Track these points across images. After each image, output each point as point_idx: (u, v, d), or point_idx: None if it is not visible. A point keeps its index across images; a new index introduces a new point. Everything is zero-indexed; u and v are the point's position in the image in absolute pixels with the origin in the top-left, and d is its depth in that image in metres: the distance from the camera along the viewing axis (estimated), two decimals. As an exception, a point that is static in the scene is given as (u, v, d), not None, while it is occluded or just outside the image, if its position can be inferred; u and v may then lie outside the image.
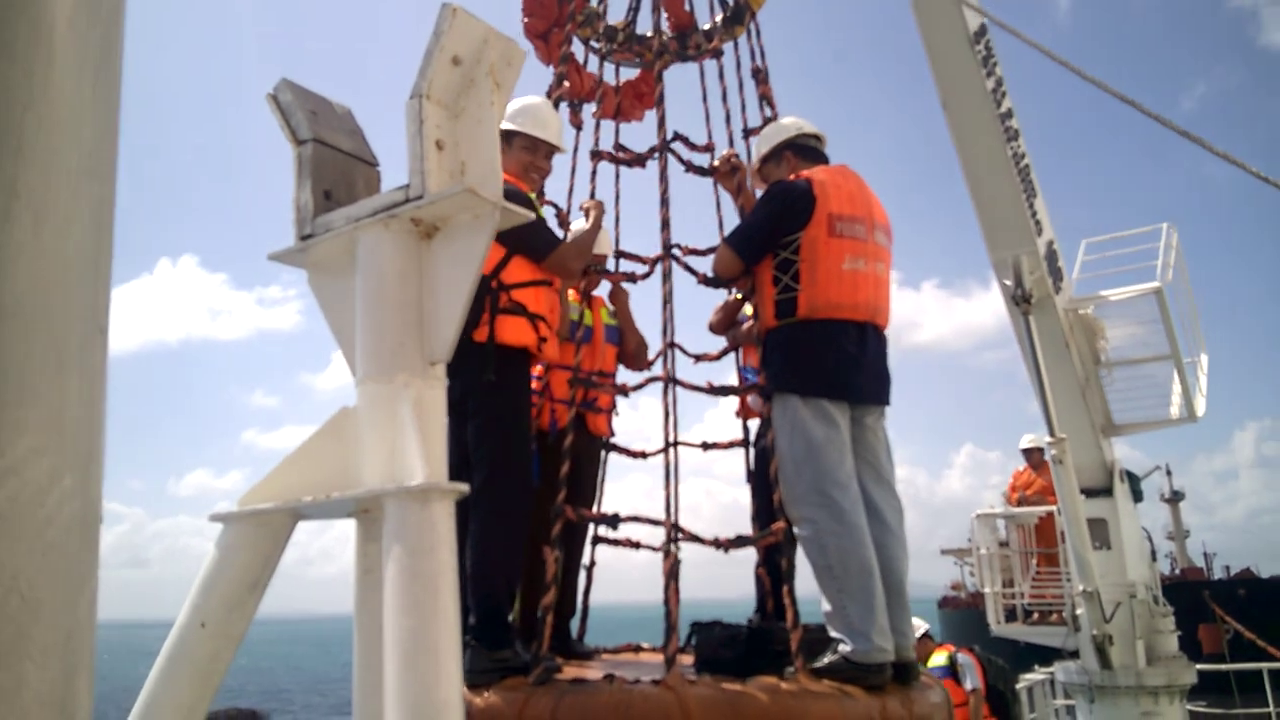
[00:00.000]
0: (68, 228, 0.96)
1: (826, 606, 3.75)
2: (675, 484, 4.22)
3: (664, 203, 4.50)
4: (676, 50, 5.26)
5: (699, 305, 4.97)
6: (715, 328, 4.96)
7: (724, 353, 4.76)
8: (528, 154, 4.22)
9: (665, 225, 4.45)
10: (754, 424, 4.91)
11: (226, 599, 1.72)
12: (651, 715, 3.23)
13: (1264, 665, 11.64)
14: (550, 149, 4.33)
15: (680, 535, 3.93)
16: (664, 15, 5.24)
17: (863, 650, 3.58)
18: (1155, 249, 9.41)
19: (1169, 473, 38.28)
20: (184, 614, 1.72)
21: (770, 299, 4.06)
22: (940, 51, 8.00)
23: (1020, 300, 8.45)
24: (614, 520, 4.26)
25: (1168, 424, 9.38)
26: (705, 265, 4.47)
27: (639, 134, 5.10)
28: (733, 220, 4.71)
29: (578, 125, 5.17)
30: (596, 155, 4.73)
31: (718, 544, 4.00)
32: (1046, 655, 10.33)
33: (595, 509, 4.91)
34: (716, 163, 4.81)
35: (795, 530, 3.86)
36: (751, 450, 4.91)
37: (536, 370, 4.55)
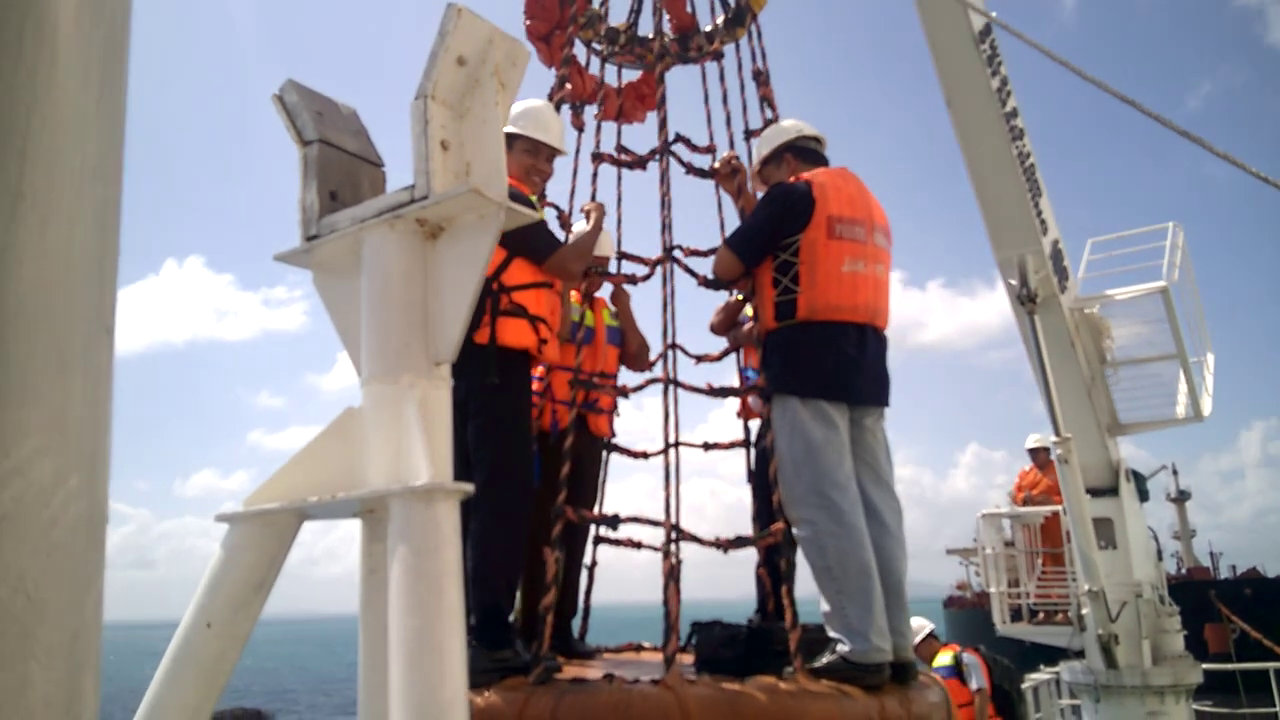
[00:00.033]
0: (73, 228, 0.96)
1: (825, 607, 3.77)
2: (676, 485, 4.24)
3: (664, 205, 4.52)
4: (677, 52, 5.27)
5: (701, 306, 4.99)
6: (716, 328, 4.97)
7: (725, 353, 4.77)
8: (529, 157, 4.23)
9: (665, 228, 4.48)
10: (755, 424, 4.92)
11: (232, 599, 1.72)
12: (651, 715, 3.25)
13: (1270, 665, 11.59)
14: (552, 152, 4.34)
15: (680, 536, 3.94)
16: (665, 17, 5.24)
17: (861, 650, 3.60)
18: (1161, 248, 9.38)
19: (1175, 472, 38.25)
20: (189, 614, 1.72)
21: (770, 301, 4.07)
22: (944, 51, 7.99)
23: (1025, 300, 8.44)
24: (614, 521, 4.29)
25: (1173, 423, 9.36)
26: (707, 266, 4.48)
27: (641, 135, 5.13)
28: (734, 221, 4.73)
29: (579, 127, 5.18)
30: (598, 158, 4.75)
31: (717, 545, 4.02)
32: (1052, 655, 10.31)
33: (597, 509, 4.94)
34: (717, 165, 4.82)
35: (794, 531, 3.88)
36: (752, 451, 4.91)
37: (538, 371, 4.56)
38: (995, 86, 7.94)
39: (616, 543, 4.44)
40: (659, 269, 4.51)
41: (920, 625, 7.70)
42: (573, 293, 4.82)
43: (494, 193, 1.75)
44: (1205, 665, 8.93)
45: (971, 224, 8.66)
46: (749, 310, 4.65)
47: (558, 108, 4.69)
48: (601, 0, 5.33)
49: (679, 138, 4.96)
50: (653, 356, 5.08)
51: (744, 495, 4.90)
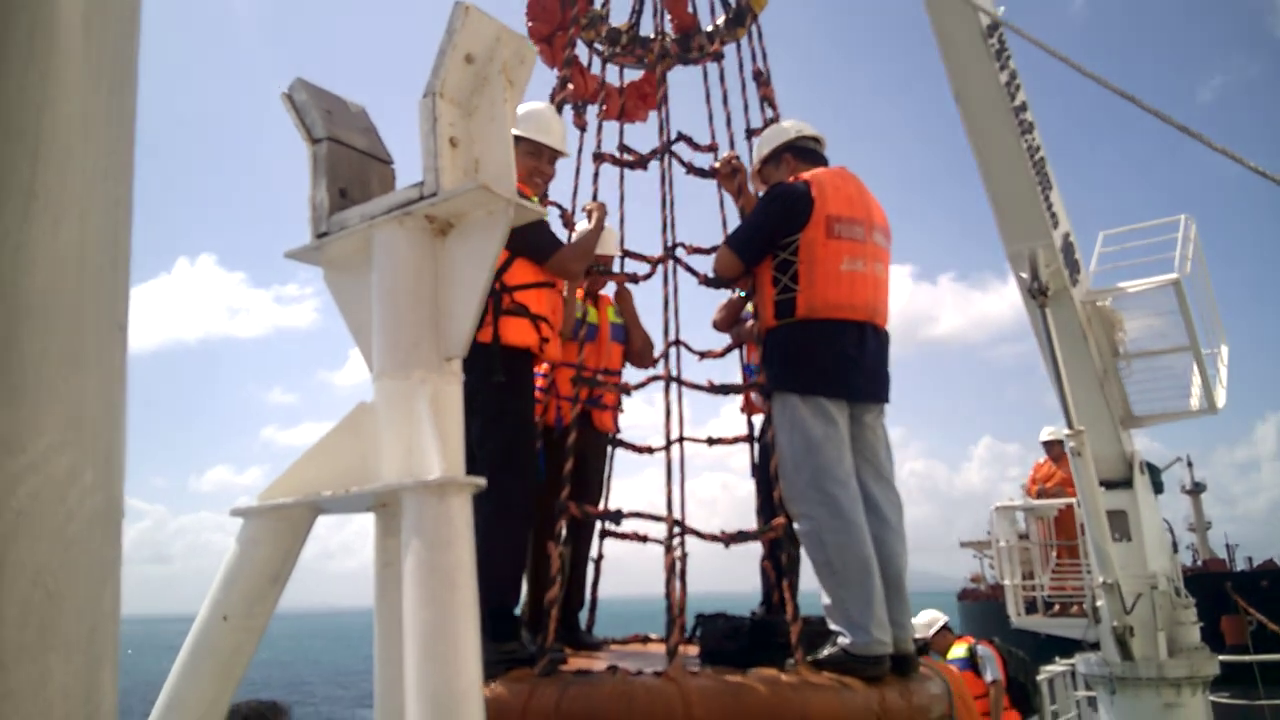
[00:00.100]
0: (85, 226, 0.97)
1: (826, 600, 3.82)
2: (682, 480, 4.34)
3: (665, 205, 4.57)
4: (678, 53, 5.30)
5: (704, 303, 5.04)
6: (719, 325, 5.01)
7: (728, 350, 4.84)
8: (531, 159, 4.27)
9: (666, 227, 4.53)
10: (759, 419, 4.95)
11: (248, 592, 1.74)
12: (653, 706, 3.29)
13: (1287, 657, 11.54)
14: (554, 154, 4.39)
15: (684, 531, 4.01)
16: (667, 17, 5.27)
17: (862, 643, 3.65)
18: (1173, 240, 9.33)
19: (1190, 464, 38.05)
20: (206, 608, 1.74)
21: (770, 299, 4.12)
22: (953, 45, 7.96)
23: (1036, 293, 8.40)
24: (617, 517, 4.34)
25: (1188, 415, 9.31)
26: (708, 264, 4.52)
27: (645, 133, 5.15)
28: (735, 219, 4.79)
29: (582, 127, 5.22)
30: (599, 158, 4.79)
31: (719, 539, 4.09)
32: (1067, 647, 10.28)
33: (603, 504, 5.01)
34: (717, 165, 4.85)
35: (795, 526, 3.93)
36: (756, 446, 4.94)
37: (542, 368, 4.60)
38: (1004, 80, 7.90)
39: (622, 536, 4.50)
40: (660, 268, 4.56)
41: (934, 618, 7.70)
42: (578, 291, 4.86)
43: (503, 189, 1.76)
44: (1222, 657, 8.90)
45: (982, 217, 8.64)
46: (751, 307, 4.68)
47: (560, 108, 4.73)
48: (603, 1, 5.34)
49: (681, 136, 5.01)
50: (656, 353, 5.13)
51: (754, 489, 4.93)
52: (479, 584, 3.72)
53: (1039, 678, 9.76)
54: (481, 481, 1.67)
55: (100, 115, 1.00)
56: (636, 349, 5.23)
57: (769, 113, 5.09)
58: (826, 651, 3.68)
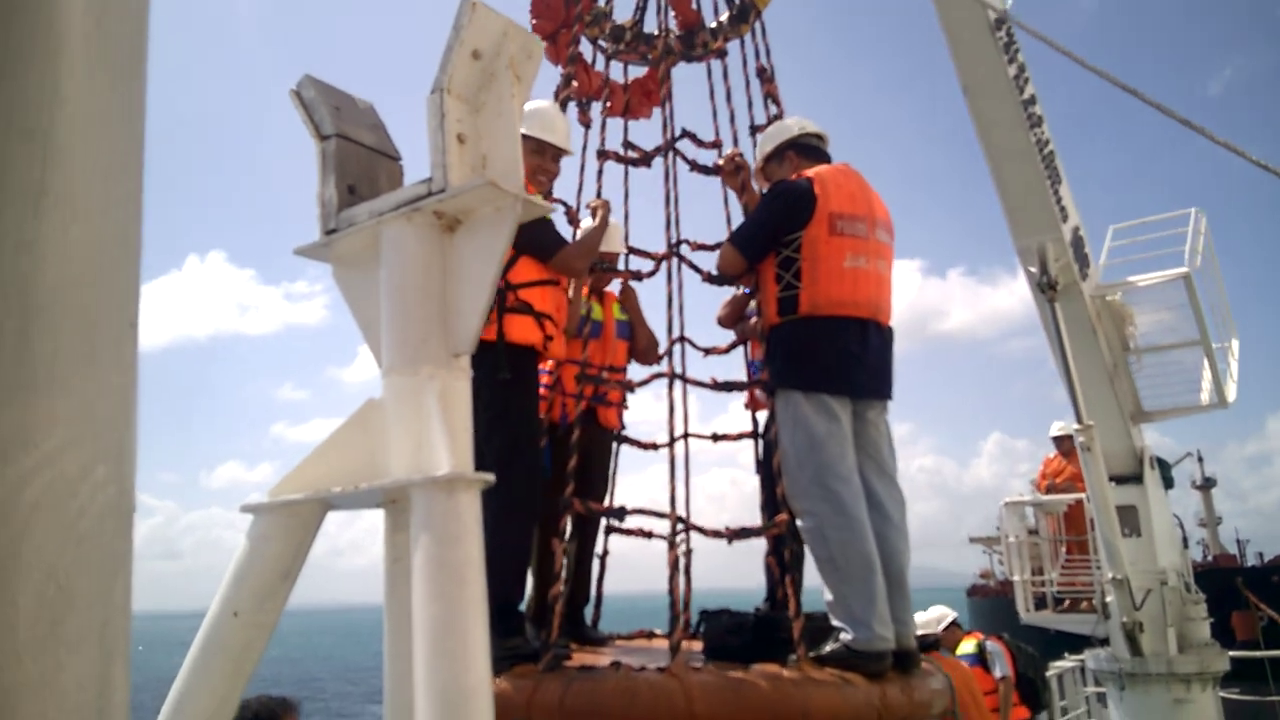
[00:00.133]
0: (96, 223, 0.98)
1: (829, 596, 3.84)
2: (686, 476, 4.35)
3: (669, 202, 4.58)
4: (681, 50, 5.30)
5: (709, 299, 5.06)
6: (724, 321, 5.02)
7: (732, 346, 4.88)
8: (535, 157, 4.29)
9: (670, 224, 4.54)
10: (763, 415, 4.96)
11: (258, 589, 1.74)
12: (656, 702, 3.31)
13: (1299, 652, 11.50)
14: (558, 152, 4.41)
15: (687, 527, 4.03)
16: (670, 14, 5.28)
17: (864, 639, 3.67)
18: (1184, 234, 9.30)
19: (1200, 459, 37.95)
20: (216, 604, 1.75)
21: (773, 296, 4.14)
22: (961, 39, 7.94)
23: (1045, 287, 8.39)
24: (620, 513, 4.38)
25: (1198, 410, 9.29)
26: (713, 261, 4.54)
27: (650, 129, 5.16)
28: (740, 216, 4.81)
29: (586, 124, 5.23)
30: (603, 155, 4.80)
31: (722, 535, 4.11)
32: (1077, 643, 10.26)
33: (608, 500, 5.04)
34: (721, 162, 4.86)
35: (798, 522, 3.95)
36: (760, 442, 4.95)
37: (547, 365, 4.63)
38: (1012, 74, 7.88)
39: (627, 532, 4.53)
40: (664, 265, 4.58)
41: (944, 613, 7.69)
42: (583, 288, 4.88)
43: (511, 185, 1.76)
44: (1232, 653, 8.88)
45: (992, 212, 8.62)
46: (755, 304, 4.70)
47: (564, 105, 4.74)
48: (607, -2, 5.36)
49: (685, 133, 5.03)
50: (661, 350, 5.15)
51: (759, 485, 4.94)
52: (485, 578, 3.76)
53: (1048, 673, 9.74)
54: (490, 477, 1.67)
55: (110, 113, 1.01)
56: (641, 346, 5.25)
57: (773, 109, 5.09)
58: (829, 647, 3.70)
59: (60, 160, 0.95)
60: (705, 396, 4.55)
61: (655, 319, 5.26)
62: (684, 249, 4.72)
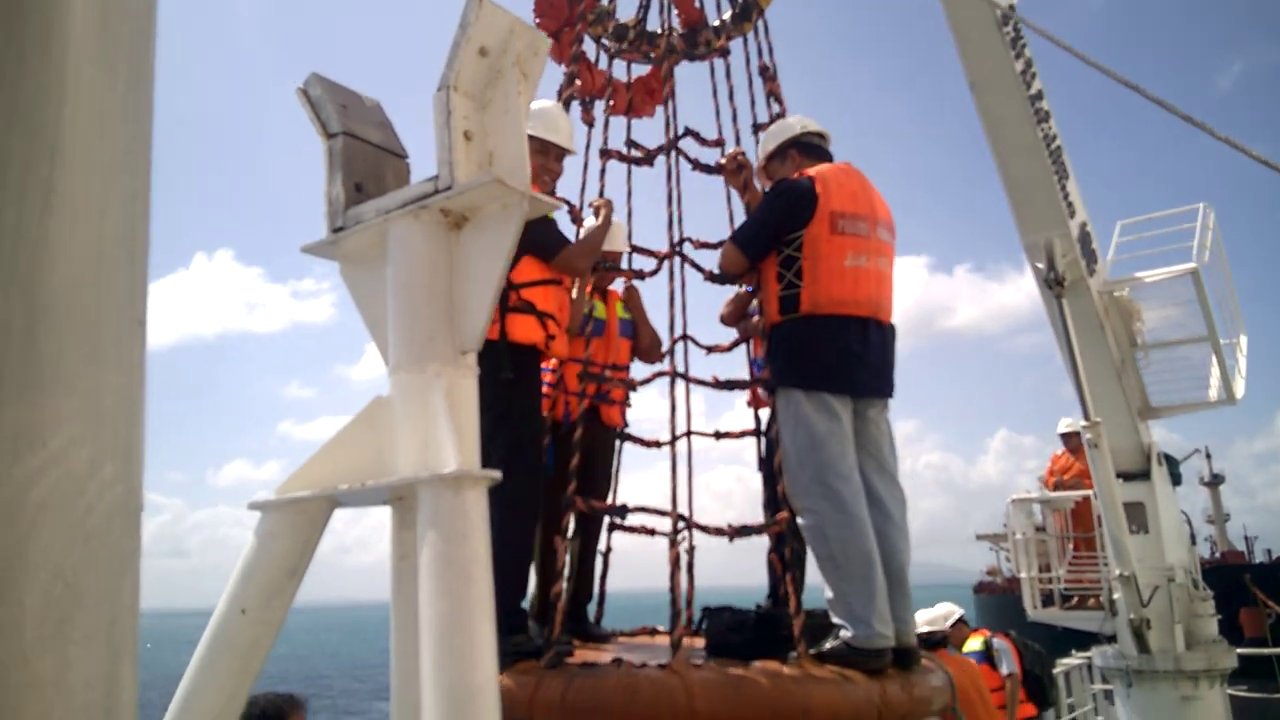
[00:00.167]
0: (104, 221, 0.98)
1: (829, 594, 3.85)
2: (689, 474, 4.36)
3: (671, 201, 4.60)
4: (684, 49, 5.31)
5: (712, 297, 5.07)
6: (726, 320, 5.04)
7: (735, 344, 4.91)
8: (539, 157, 4.30)
9: (672, 223, 4.55)
10: (766, 413, 4.98)
11: (266, 586, 1.75)
12: (656, 698, 3.33)
13: (1307, 649, 11.48)
14: (561, 151, 4.43)
15: (688, 525, 4.04)
16: (674, 12, 5.28)
17: (864, 636, 3.68)
18: (1192, 230, 9.27)
19: (1208, 456, 37.83)
20: (224, 601, 1.75)
21: (774, 295, 4.15)
22: (968, 35, 7.91)
23: (1053, 283, 8.36)
24: (622, 511, 4.40)
25: (1206, 406, 9.25)
26: (715, 259, 4.55)
27: (653, 127, 5.16)
28: (743, 214, 4.81)
29: (589, 122, 5.23)
30: (606, 154, 4.81)
31: (723, 533, 4.13)
32: (1084, 640, 10.25)
33: (611, 498, 5.06)
34: (723, 161, 4.87)
35: (799, 520, 3.96)
36: (763, 440, 4.97)
37: (550, 364, 4.65)
38: (1019, 69, 7.86)
39: (630, 529, 4.54)
40: (666, 264, 4.61)
41: (950, 610, 7.69)
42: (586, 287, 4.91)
43: (517, 182, 1.76)
44: (1240, 650, 8.85)
45: (999, 207, 8.60)
46: (757, 302, 4.71)
47: (567, 105, 4.75)
48: (610, -3, 5.36)
49: (688, 131, 5.05)
50: (664, 348, 5.17)
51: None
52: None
53: (1055, 671, 9.72)
54: (496, 475, 1.67)
55: (117, 112, 1.01)
56: (645, 345, 5.28)
57: (775, 108, 5.10)
58: (829, 645, 3.72)
59: (68, 159, 0.95)
60: (711, 394, 4.57)
61: (658, 317, 5.28)
62: (687, 247, 4.73)
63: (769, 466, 4.44)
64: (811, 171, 4.21)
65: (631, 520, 4.48)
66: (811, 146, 4.49)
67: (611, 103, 5.17)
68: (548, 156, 4.35)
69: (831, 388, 3.99)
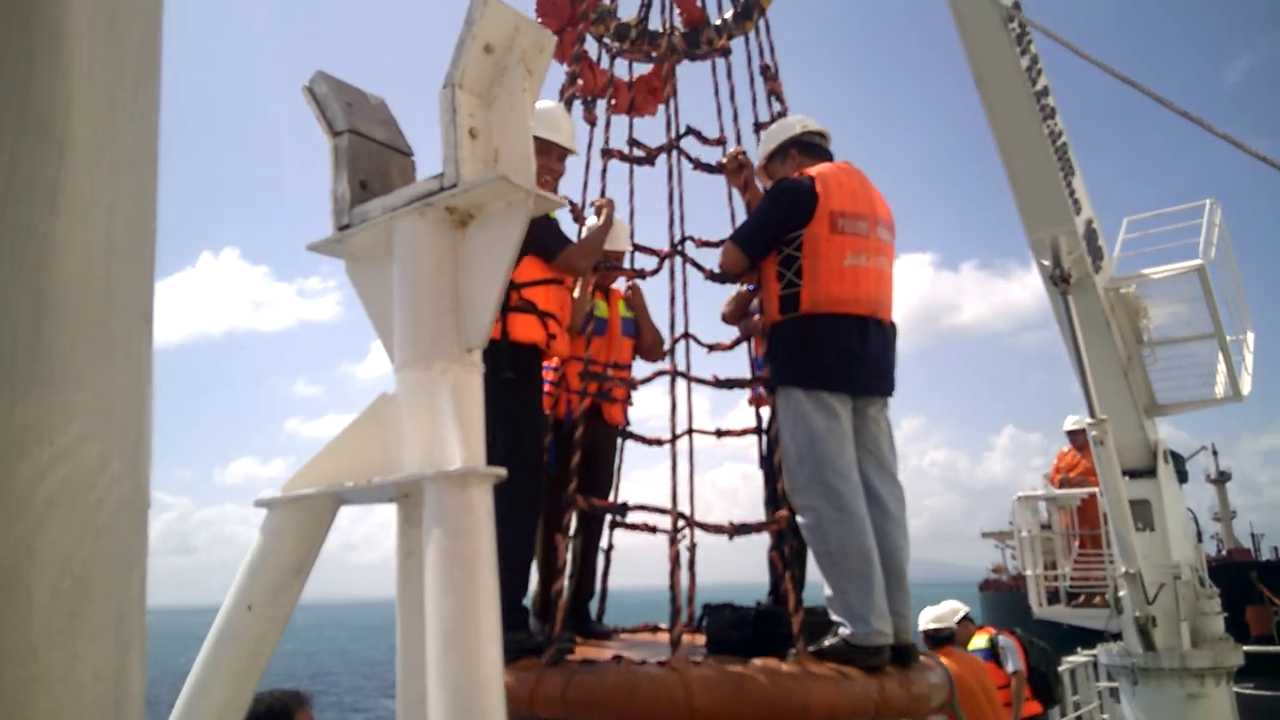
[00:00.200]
0: (112, 218, 0.98)
1: (828, 591, 3.88)
2: (691, 472, 4.44)
3: (672, 200, 4.62)
4: (685, 49, 5.32)
5: (714, 295, 5.09)
6: (728, 318, 5.06)
7: (736, 343, 4.94)
8: (541, 157, 4.33)
9: (673, 223, 4.58)
10: (767, 411, 5.00)
11: (272, 582, 1.75)
12: (656, 695, 3.36)
13: (1314, 647, 11.45)
14: (563, 151, 4.47)
15: (688, 523, 4.08)
16: (675, 11, 5.30)
17: (862, 633, 3.72)
18: (1198, 226, 9.25)
19: (1215, 453, 37.72)
20: (230, 597, 1.76)
21: (774, 294, 4.17)
22: (972, 30, 7.90)
23: (1058, 280, 8.35)
24: (623, 509, 4.44)
25: (1212, 403, 9.23)
26: (716, 258, 4.57)
27: (655, 126, 5.17)
28: (744, 212, 4.83)
29: (591, 121, 5.24)
30: (607, 154, 4.83)
31: (723, 530, 4.15)
32: (1089, 638, 10.24)
33: (613, 495, 5.11)
34: (724, 160, 4.89)
35: (798, 518, 3.99)
36: (764, 438, 4.99)
37: (552, 362, 4.68)
38: (1025, 65, 7.84)
39: (631, 527, 4.58)
40: (667, 263, 4.64)
41: (955, 608, 7.69)
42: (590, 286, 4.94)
43: (522, 179, 1.77)
44: (1246, 647, 8.83)
45: (1005, 204, 8.59)
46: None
47: (569, 104, 4.77)
48: (612, -4, 5.37)
49: (690, 130, 5.07)
50: (666, 347, 5.21)
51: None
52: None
53: (1061, 668, 9.71)
54: (502, 472, 1.68)
55: (125, 109, 1.01)
56: (647, 343, 5.32)
57: (776, 107, 5.12)
58: (827, 642, 3.75)
59: (76, 157, 0.96)
60: (717, 391, 4.59)
61: (660, 316, 5.30)
62: (689, 246, 4.76)
63: (769, 464, 4.46)
64: (811, 171, 4.24)
65: (633, 518, 4.51)
66: (812, 146, 4.51)
67: (613, 102, 5.18)
68: (550, 156, 4.37)
69: (831, 386, 4.02)
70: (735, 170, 4.83)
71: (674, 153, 4.81)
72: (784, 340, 4.13)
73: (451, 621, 1.54)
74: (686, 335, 4.57)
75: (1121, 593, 8.47)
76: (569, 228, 4.71)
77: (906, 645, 3.94)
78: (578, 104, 5.03)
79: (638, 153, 5.09)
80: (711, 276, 4.60)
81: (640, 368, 5.37)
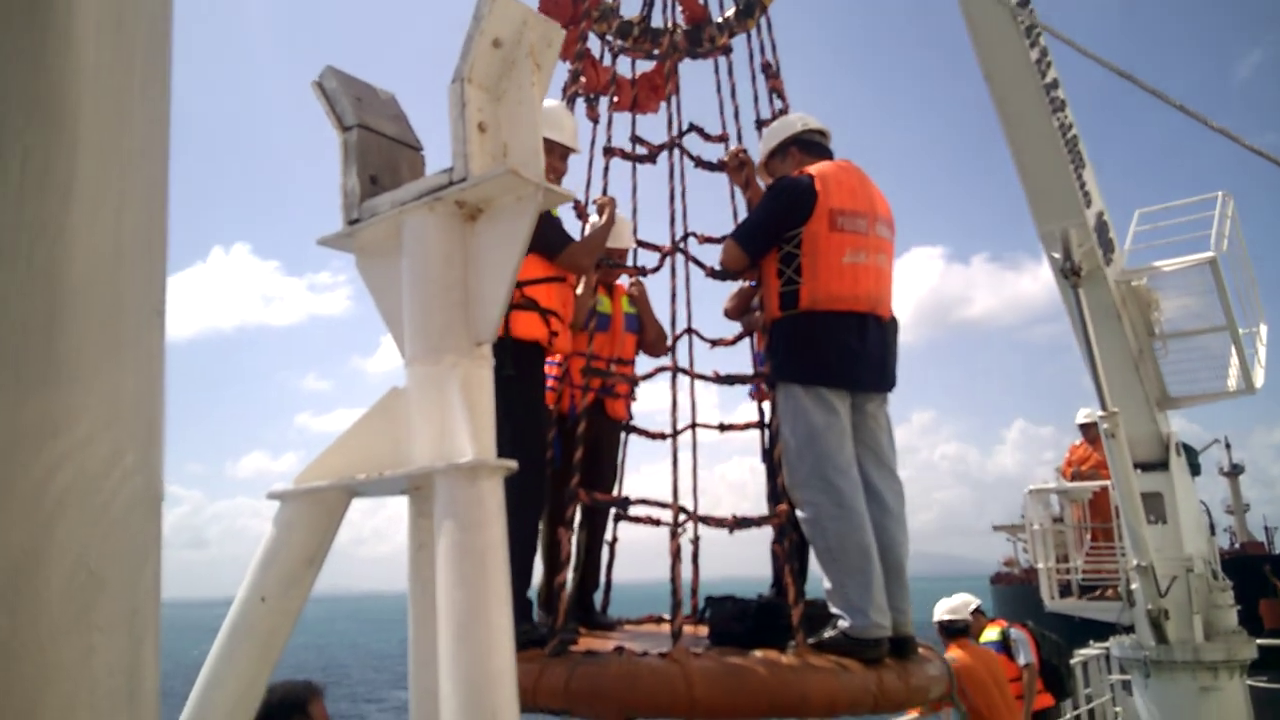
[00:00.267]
0: (123, 212, 0.99)
1: (827, 584, 3.92)
2: (694, 466, 4.54)
3: (674, 198, 4.63)
4: (687, 47, 5.34)
5: (717, 291, 5.11)
6: (730, 313, 5.08)
7: (739, 338, 4.95)
8: (544, 155, 4.33)
9: (674, 220, 4.60)
10: (769, 406, 5.02)
11: (284, 574, 1.76)
12: (657, 686, 3.40)
13: (1328, 640, 11.38)
14: (566, 150, 4.50)
15: (689, 517, 4.12)
16: (678, 9, 5.30)
17: (860, 626, 3.75)
18: (1210, 218, 9.19)
19: (1228, 446, 37.52)
20: (244, 589, 1.77)
21: (775, 291, 4.20)
22: (981, 23, 7.86)
23: (1069, 273, 8.31)
24: (624, 504, 4.47)
25: (1225, 396, 9.19)
26: (718, 255, 4.59)
27: (659, 122, 5.20)
28: (746, 209, 4.84)
29: (594, 119, 5.25)
30: (609, 152, 4.84)
31: (724, 524, 4.21)
32: (1101, 630, 10.21)
33: (617, 489, 5.15)
34: (725, 158, 4.90)
35: (798, 513, 4.02)
36: (766, 432, 5.01)
37: (556, 357, 4.71)
38: (1034, 58, 7.80)
39: (635, 520, 4.61)
40: (669, 260, 4.66)
41: (967, 601, 7.68)
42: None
43: (531, 173, 1.77)
44: (1260, 640, 8.80)
45: (1016, 196, 8.54)
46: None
47: (572, 102, 4.78)
48: (614, -7, 5.37)
49: (693, 127, 5.10)
50: (669, 343, 5.24)
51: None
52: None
53: (1073, 661, 9.69)
54: (512, 464, 1.68)
55: (136, 105, 1.02)
56: (650, 339, 5.36)
57: (778, 104, 5.14)
58: (827, 634, 3.79)
59: (88, 152, 0.96)
60: (722, 385, 4.62)
61: (662, 312, 5.33)
62: (691, 242, 4.78)
63: (772, 459, 4.49)
64: (811, 169, 4.26)
65: (635, 512, 4.54)
66: (812, 144, 4.54)
67: (616, 99, 5.19)
68: (552, 155, 4.40)
69: (830, 382, 4.05)
70: (736, 168, 4.85)
71: (676, 150, 4.82)
72: (784, 337, 4.16)
73: (463, 613, 1.54)
74: (689, 331, 4.59)
75: (1133, 586, 8.45)
76: (572, 225, 4.73)
77: (905, 638, 3.98)
78: (580, 101, 5.05)
79: (640, 150, 5.10)
80: (712, 274, 4.63)
81: (644, 363, 5.40)
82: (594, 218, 4.79)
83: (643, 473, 5.34)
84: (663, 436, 4.87)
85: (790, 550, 4.13)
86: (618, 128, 5.02)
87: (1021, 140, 8.23)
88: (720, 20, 5.37)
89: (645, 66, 5.65)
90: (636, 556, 5.28)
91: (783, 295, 4.14)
